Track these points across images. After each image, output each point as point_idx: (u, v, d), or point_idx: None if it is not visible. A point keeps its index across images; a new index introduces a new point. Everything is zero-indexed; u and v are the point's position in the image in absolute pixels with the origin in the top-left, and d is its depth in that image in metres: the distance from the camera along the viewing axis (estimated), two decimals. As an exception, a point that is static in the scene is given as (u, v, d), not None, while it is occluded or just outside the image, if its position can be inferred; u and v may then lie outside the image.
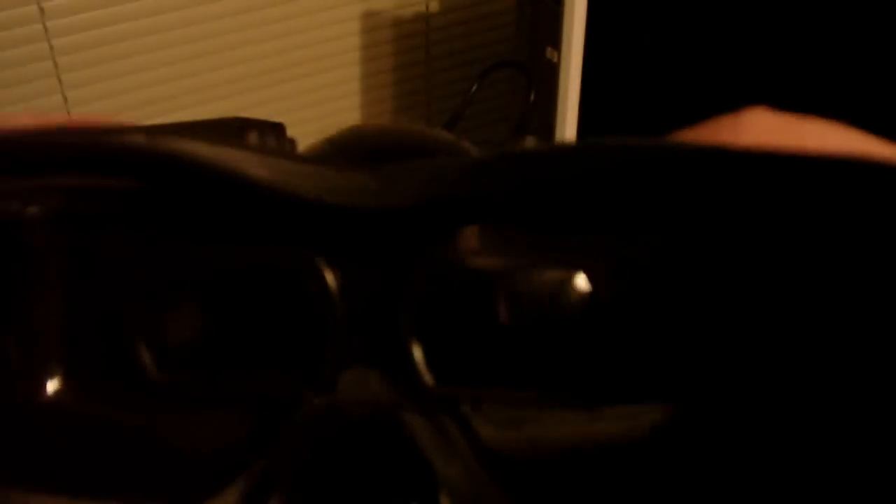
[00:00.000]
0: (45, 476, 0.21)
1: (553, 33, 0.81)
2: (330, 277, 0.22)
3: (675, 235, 0.22)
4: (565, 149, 0.20)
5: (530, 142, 0.23)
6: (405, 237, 0.22)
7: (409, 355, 0.22)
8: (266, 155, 0.20)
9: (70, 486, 0.21)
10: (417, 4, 0.99)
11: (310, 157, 0.20)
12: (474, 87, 0.88)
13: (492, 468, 0.22)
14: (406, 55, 1.01)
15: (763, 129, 0.18)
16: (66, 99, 0.84)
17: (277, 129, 0.21)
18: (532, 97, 0.84)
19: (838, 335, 0.20)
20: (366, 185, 0.20)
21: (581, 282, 0.23)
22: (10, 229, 0.22)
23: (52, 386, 0.23)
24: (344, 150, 0.26)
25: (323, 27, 0.94)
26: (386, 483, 0.24)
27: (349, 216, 0.21)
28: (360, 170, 0.20)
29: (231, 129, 0.22)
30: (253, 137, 0.23)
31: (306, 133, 0.25)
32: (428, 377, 0.22)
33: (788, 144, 0.18)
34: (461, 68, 1.02)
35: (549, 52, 0.82)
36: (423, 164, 0.20)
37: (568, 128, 0.83)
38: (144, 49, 0.84)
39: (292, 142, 0.24)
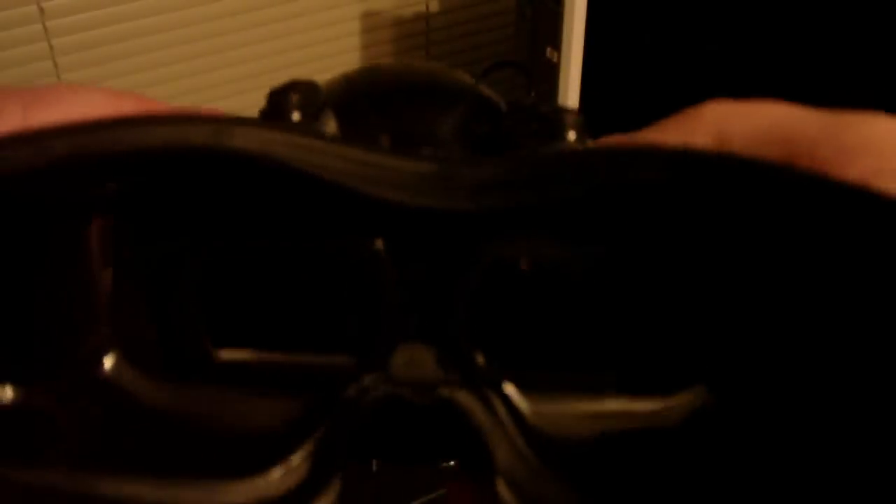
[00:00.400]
0: (111, 457, 0.21)
1: (553, 33, 0.81)
2: (386, 258, 0.22)
3: (699, 231, 0.23)
4: (621, 152, 0.20)
5: (569, 143, 0.23)
6: (464, 237, 0.22)
7: (462, 335, 0.22)
8: (331, 143, 0.19)
9: (137, 468, 0.20)
10: (417, 4, 0.99)
11: (372, 145, 0.20)
12: (474, 87, 0.89)
13: (539, 448, 0.22)
14: (406, 55, 1.01)
15: (720, 117, 0.20)
16: (66, 99, 0.84)
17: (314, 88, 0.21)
18: (532, 97, 0.84)
19: (838, 327, 0.21)
20: (430, 183, 0.20)
21: (619, 274, 0.24)
22: (67, 214, 0.21)
23: (108, 362, 0.23)
24: (361, 88, 0.26)
25: (323, 27, 0.94)
26: (440, 457, 0.24)
27: (411, 213, 0.20)
28: (425, 161, 0.20)
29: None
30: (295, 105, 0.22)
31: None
32: (479, 356, 0.23)
33: (742, 130, 0.20)
34: (461, 68, 1.02)
35: (549, 52, 0.82)
36: (487, 161, 0.20)
37: (568, 128, 0.83)
38: (144, 49, 0.84)
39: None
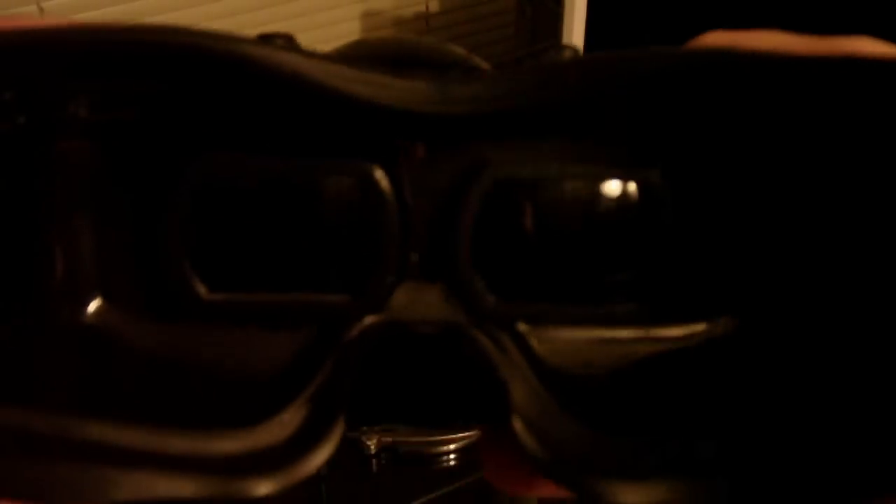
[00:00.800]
0: (99, 404, 0.19)
1: (553, 33, 0.81)
2: (386, 186, 0.21)
3: (733, 143, 0.22)
4: (625, 55, 0.19)
5: (569, 52, 0.22)
6: (465, 148, 0.21)
7: (468, 271, 0.21)
8: (325, 60, 0.19)
9: (124, 415, 0.19)
10: (417, 4, 0.99)
11: (366, 63, 0.19)
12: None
13: (551, 385, 0.21)
14: (406, 55, 1.01)
15: (721, 45, 0.20)
16: (65, 99, 0.84)
17: (292, 40, 0.21)
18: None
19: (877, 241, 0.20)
20: (427, 92, 0.19)
21: (637, 195, 0.22)
22: (45, 136, 0.20)
23: (92, 308, 0.21)
24: (352, 54, 0.25)
25: (323, 27, 0.94)
26: (454, 399, 0.23)
27: (410, 122, 0.20)
28: (420, 77, 0.19)
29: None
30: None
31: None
32: (487, 293, 0.21)
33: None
34: (461, 68, 1.02)
35: (550, 53, 0.82)
36: (483, 73, 0.19)
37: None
38: (144, 49, 0.84)
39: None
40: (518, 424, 0.19)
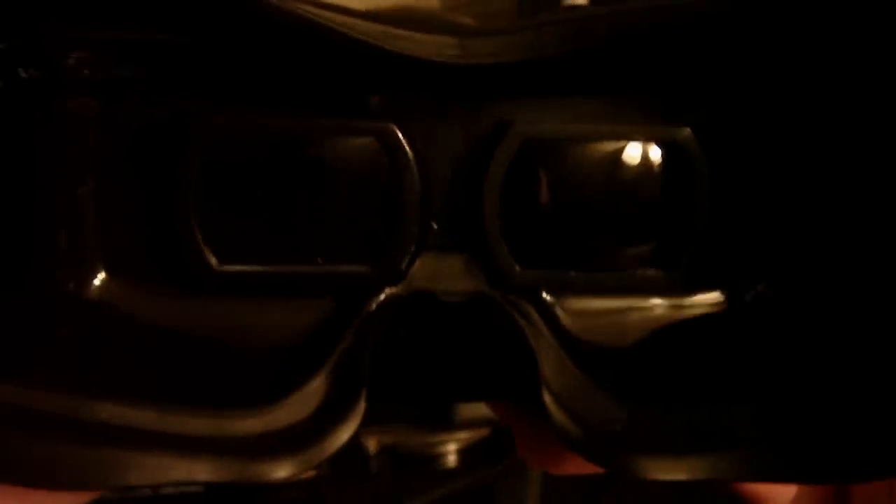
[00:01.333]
0: (108, 384, 0.19)
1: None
2: (406, 147, 0.20)
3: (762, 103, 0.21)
4: (658, 5, 0.18)
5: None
6: (489, 103, 0.20)
7: (495, 238, 0.20)
8: (344, 13, 0.18)
9: (135, 395, 0.18)
10: (417, 4, 0.99)
11: (386, 19, 0.18)
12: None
13: (578, 357, 0.21)
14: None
15: None
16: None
17: None
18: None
19: None
20: (449, 44, 0.18)
21: (667, 157, 0.22)
22: (47, 93, 0.19)
23: (97, 281, 0.20)
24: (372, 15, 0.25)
25: (323, 27, 0.94)
26: (481, 373, 0.22)
27: (431, 76, 0.19)
28: (442, 32, 0.18)
29: None
30: None
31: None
32: (512, 262, 0.21)
33: None
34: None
35: (550, 52, 0.82)
36: (507, 27, 0.19)
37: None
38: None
39: None
40: (548, 398, 0.18)
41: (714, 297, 0.22)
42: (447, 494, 0.74)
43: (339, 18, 0.17)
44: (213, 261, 0.21)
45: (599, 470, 0.19)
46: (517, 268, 0.21)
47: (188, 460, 0.17)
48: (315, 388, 0.19)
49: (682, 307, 0.22)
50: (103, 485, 0.17)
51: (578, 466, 0.20)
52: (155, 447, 0.17)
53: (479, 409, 0.65)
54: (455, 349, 0.21)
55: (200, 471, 0.17)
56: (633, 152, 0.22)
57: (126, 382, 0.19)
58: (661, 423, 0.19)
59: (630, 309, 0.22)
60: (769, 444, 0.18)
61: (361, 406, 0.18)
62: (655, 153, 0.22)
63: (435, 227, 0.21)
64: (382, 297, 0.20)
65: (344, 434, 0.18)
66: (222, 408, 0.18)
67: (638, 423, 0.19)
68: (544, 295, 0.22)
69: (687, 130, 0.21)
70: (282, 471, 0.17)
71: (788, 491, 0.21)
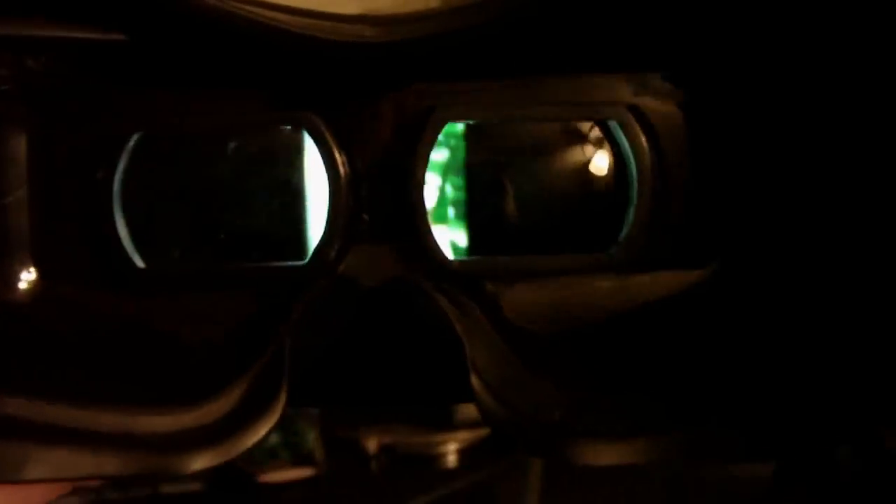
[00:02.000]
0: (23, 380, 0.19)
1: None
2: (331, 138, 0.20)
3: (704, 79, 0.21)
4: None
5: None
6: (411, 87, 0.20)
7: (425, 227, 0.20)
8: (266, 6, 0.18)
9: (50, 391, 0.18)
10: (417, 4, 0.99)
11: (302, 9, 0.18)
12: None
13: (518, 347, 0.21)
14: (406, 55, 1.01)
15: None
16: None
17: None
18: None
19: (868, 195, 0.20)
20: (368, 27, 0.18)
21: (603, 140, 0.22)
22: None
23: (24, 282, 0.21)
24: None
25: (323, 27, 0.94)
26: (407, 363, 0.22)
27: (351, 63, 0.19)
28: (357, 20, 0.18)
29: None
30: None
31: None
32: (441, 252, 0.21)
33: None
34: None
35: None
36: (420, 12, 0.19)
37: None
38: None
39: None
40: (477, 383, 0.18)
41: (656, 281, 0.22)
42: (447, 494, 0.74)
43: (260, 11, 0.18)
44: (139, 261, 0.21)
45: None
46: (448, 256, 0.21)
47: (95, 456, 0.17)
48: (238, 387, 0.19)
49: (624, 291, 0.22)
50: (7, 478, 0.17)
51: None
52: (64, 441, 0.17)
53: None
54: (386, 339, 0.21)
55: (108, 465, 0.17)
56: (568, 133, 0.22)
57: (43, 378, 0.19)
58: (599, 409, 0.19)
59: (574, 294, 0.22)
60: (702, 427, 0.18)
61: (282, 402, 0.18)
62: (593, 133, 0.22)
63: (366, 218, 0.21)
64: (311, 290, 0.20)
65: (263, 428, 0.18)
66: (142, 405, 0.18)
67: (576, 410, 0.19)
68: (487, 285, 0.21)
69: (623, 107, 0.21)
70: (197, 463, 0.17)
71: None
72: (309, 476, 0.76)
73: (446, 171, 0.22)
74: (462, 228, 0.22)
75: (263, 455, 0.76)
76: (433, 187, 0.22)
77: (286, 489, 0.75)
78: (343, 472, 0.76)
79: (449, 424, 0.75)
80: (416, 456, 0.76)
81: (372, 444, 0.76)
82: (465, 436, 0.75)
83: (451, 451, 0.75)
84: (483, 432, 0.72)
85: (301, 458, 0.76)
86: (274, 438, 0.77)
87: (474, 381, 0.18)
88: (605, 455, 0.18)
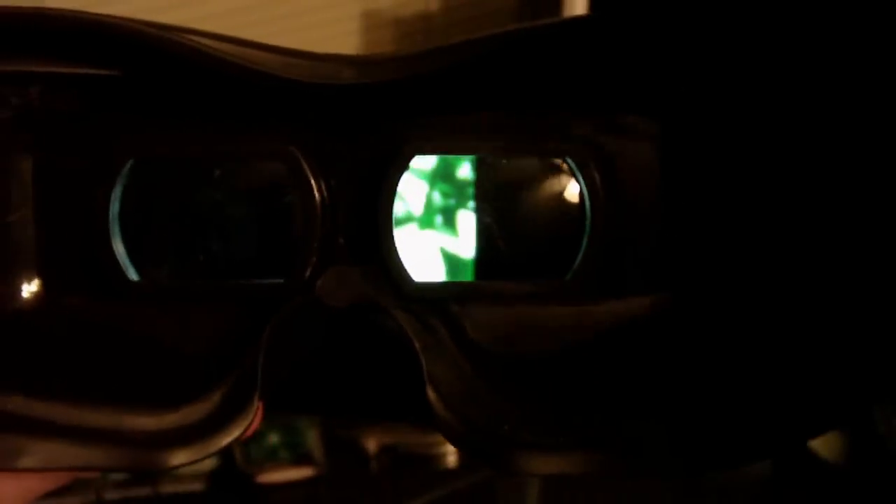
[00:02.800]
0: (23, 380, 0.20)
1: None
2: (309, 170, 0.22)
3: (664, 114, 0.22)
4: (544, 26, 0.20)
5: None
6: (385, 125, 0.22)
7: (391, 252, 0.22)
8: (260, 49, 0.20)
9: (47, 390, 0.20)
10: (417, 4, 0.99)
11: (293, 51, 0.20)
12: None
13: (477, 364, 0.22)
14: (406, 55, 1.00)
15: None
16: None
17: None
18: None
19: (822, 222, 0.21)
20: (342, 69, 0.20)
21: (567, 172, 0.23)
22: None
23: (27, 292, 0.22)
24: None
25: (323, 27, 0.94)
26: (370, 375, 0.23)
27: (328, 101, 0.21)
28: (338, 60, 0.20)
29: None
30: None
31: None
32: (406, 274, 0.22)
33: None
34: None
35: (549, 52, 0.82)
36: (393, 54, 0.20)
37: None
38: (144, 49, 0.84)
39: None
40: (433, 395, 0.20)
41: (609, 306, 0.23)
42: (447, 494, 0.74)
43: (236, 50, 0.20)
44: (133, 275, 0.23)
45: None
46: (413, 279, 0.22)
47: (84, 449, 0.19)
48: (216, 392, 0.20)
49: (582, 316, 0.23)
50: (1, 466, 0.18)
51: None
52: (54, 435, 0.19)
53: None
54: (348, 355, 0.23)
55: (96, 458, 0.19)
56: (529, 165, 0.23)
57: (41, 379, 0.21)
58: (548, 423, 0.21)
59: (534, 317, 0.23)
60: (644, 444, 0.20)
61: (253, 408, 0.19)
62: (550, 168, 0.23)
63: (341, 241, 0.22)
64: (286, 307, 0.21)
65: (236, 431, 0.19)
66: (129, 405, 0.20)
67: (524, 423, 0.20)
68: (451, 306, 0.23)
69: (577, 146, 0.22)
70: (176, 459, 0.19)
71: None
72: (309, 476, 0.76)
73: (434, 178, 0.24)
74: (451, 234, 0.24)
75: (263, 455, 0.76)
76: (421, 195, 0.24)
77: (286, 489, 0.75)
78: (343, 472, 0.76)
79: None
80: (416, 456, 0.76)
81: (372, 444, 0.76)
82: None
83: (451, 451, 0.75)
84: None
85: (301, 458, 0.76)
86: (274, 438, 0.77)
87: (430, 393, 0.20)
88: (547, 465, 0.19)
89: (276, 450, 0.77)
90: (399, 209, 0.23)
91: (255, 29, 0.88)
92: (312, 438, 0.77)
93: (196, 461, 0.19)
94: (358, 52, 0.98)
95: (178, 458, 0.19)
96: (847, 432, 0.58)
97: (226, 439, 0.19)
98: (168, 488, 0.74)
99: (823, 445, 0.59)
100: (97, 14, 0.19)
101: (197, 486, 0.75)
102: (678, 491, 0.62)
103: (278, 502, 0.75)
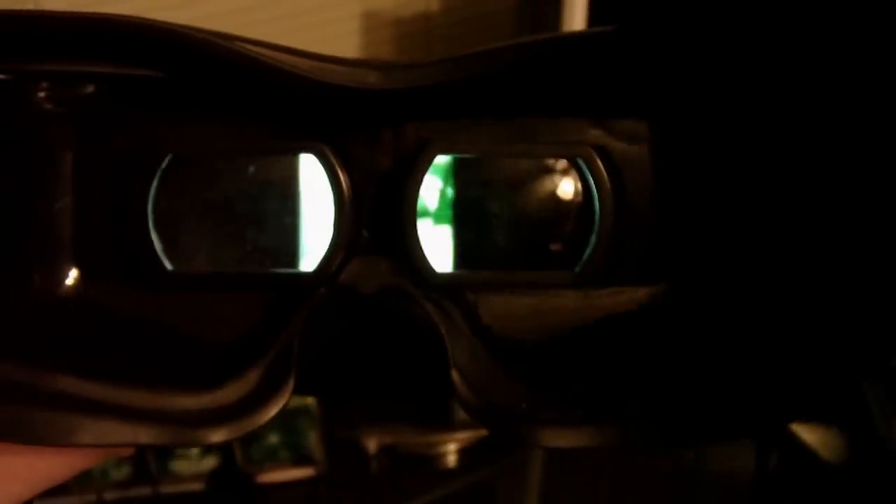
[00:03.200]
0: (71, 362, 0.21)
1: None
2: (338, 165, 0.23)
3: (660, 117, 0.24)
4: (559, 39, 0.22)
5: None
6: (409, 125, 0.23)
7: (414, 244, 0.23)
8: (289, 53, 0.21)
9: (94, 372, 0.21)
10: (417, 4, 0.99)
11: (318, 55, 0.21)
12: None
13: (494, 348, 0.24)
14: (406, 55, 1.01)
15: None
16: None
17: None
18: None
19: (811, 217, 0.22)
20: (371, 73, 0.21)
21: (575, 173, 0.25)
22: (29, 124, 0.23)
23: (70, 280, 0.24)
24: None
25: (323, 27, 0.94)
26: (395, 360, 0.25)
27: (357, 102, 0.22)
28: (367, 64, 0.21)
29: None
30: None
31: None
32: (429, 264, 0.24)
33: None
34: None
35: (549, 52, 0.82)
36: (416, 62, 0.21)
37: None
38: (144, 49, 0.84)
39: None
40: (456, 376, 0.21)
41: (617, 295, 0.25)
42: (447, 494, 0.74)
43: (273, 54, 0.21)
44: (168, 265, 0.24)
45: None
46: (435, 269, 0.24)
47: (132, 426, 0.20)
48: (252, 375, 0.22)
49: (588, 304, 0.25)
50: (58, 441, 0.20)
51: None
52: (105, 414, 0.20)
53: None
54: (378, 338, 0.24)
55: (143, 435, 0.20)
56: (541, 167, 0.25)
57: (88, 362, 0.22)
58: (559, 401, 0.22)
59: (544, 305, 0.25)
60: (648, 419, 0.22)
61: (290, 388, 0.21)
62: (561, 166, 0.25)
63: (365, 234, 0.24)
64: (316, 295, 0.23)
65: (272, 410, 0.21)
66: (169, 387, 0.21)
67: (539, 402, 0.22)
68: (468, 294, 0.24)
69: (587, 149, 0.24)
70: (216, 436, 0.20)
71: None
72: (309, 476, 0.76)
73: (447, 175, 0.25)
74: (464, 228, 0.26)
75: (263, 455, 0.76)
76: (435, 190, 0.25)
77: (286, 489, 0.76)
78: (343, 472, 0.76)
79: (449, 424, 0.75)
80: (416, 456, 0.76)
81: (372, 444, 0.76)
82: (464, 436, 0.76)
83: (451, 451, 0.75)
84: (483, 432, 0.73)
85: (301, 458, 0.76)
86: (274, 438, 0.77)
87: (454, 375, 0.21)
88: (561, 439, 0.21)
89: (276, 450, 0.77)
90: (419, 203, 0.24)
91: (255, 29, 0.88)
92: (312, 438, 0.78)
93: (235, 438, 0.20)
94: (358, 52, 0.99)
95: (218, 435, 0.20)
96: (847, 432, 0.58)
97: (263, 418, 0.20)
98: (168, 488, 0.74)
99: (823, 445, 0.59)
100: (144, 19, 0.20)
101: (197, 486, 0.75)
102: (678, 490, 0.62)
103: (278, 502, 0.75)
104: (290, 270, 0.24)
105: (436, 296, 0.23)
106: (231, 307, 0.24)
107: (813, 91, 0.22)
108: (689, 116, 0.24)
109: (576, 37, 0.21)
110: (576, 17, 0.77)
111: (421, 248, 0.23)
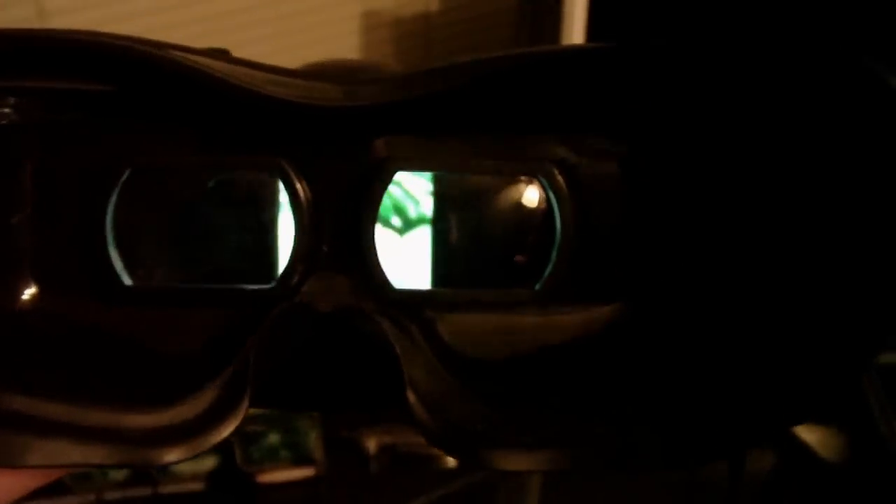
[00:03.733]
0: (25, 379, 0.21)
1: (553, 33, 0.81)
2: (298, 181, 0.23)
3: (625, 135, 0.24)
4: (524, 54, 0.21)
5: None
6: (369, 141, 0.23)
7: (373, 260, 0.23)
8: (249, 67, 0.21)
9: (48, 390, 0.20)
10: (417, 4, 0.99)
11: (279, 69, 0.21)
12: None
13: (453, 367, 0.23)
14: (406, 55, 1.01)
15: None
16: (65, 99, 0.84)
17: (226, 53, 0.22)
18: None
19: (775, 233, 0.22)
20: (331, 90, 0.21)
21: (539, 189, 0.25)
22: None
23: (26, 294, 0.23)
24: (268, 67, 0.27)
25: (323, 27, 0.94)
26: (353, 376, 0.24)
27: (317, 119, 0.21)
28: (328, 80, 0.21)
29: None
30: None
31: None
32: (387, 280, 0.23)
33: None
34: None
35: (549, 52, 0.82)
36: (380, 76, 0.21)
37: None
38: (144, 49, 0.84)
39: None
40: (412, 396, 0.20)
41: (578, 314, 0.25)
42: (447, 494, 0.74)
43: (226, 68, 0.20)
44: (127, 279, 0.24)
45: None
46: (393, 285, 0.23)
47: (84, 447, 0.20)
48: (208, 392, 0.21)
49: (550, 322, 0.25)
50: (6, 463, 0.19)
51: None
52: (57, 434, 0.20)
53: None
54: (336, 359, 0.23)
55: (96, 455, 0.20)
56: (501, 184, 0.25)
57: (42, 379, 0.21)
58: (519, 423, 0.22)
59: (505, 323, 0.25)
60: (605, 443, 0.21)
61: (245, 406, 0.20)
62: (522, 183, 0.25)
63: (325, 249, 0.23)
64: (274, 312, 0.22)
65: (228, 427, 0.20)
66: (125, 404, 0.21)
67: (498, 423, 0.21)
68: (427, 312, 0.24)
69: (548, 165, 0.24)
70: (172, 456, 0.20)
71: None
72: (309, 476, 0.76)
73: (409, 191, 0.25)
74: (427, 244, 0.25)
75: (263, 455, 0.76)
76: (399, 204, 0.25)
77: (286, 489, 0.76)
78: (343, 472, 0.76)
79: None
80: (416, 456, 0.76)
81: (372, 444, 0.76)
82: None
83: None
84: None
85: (301, 458, 0.76)
86: (274, 438, 0.77)
87: (409, 394, 0.20)
88: (516, 462, 0.20)
89: (276, 450, 0.77)
90: (379, 219, 0.24)
91: (255, 29, 0.88)
92: (312, 438, 0.78)
93: (190, 458, 0.20)
94: (358, 53, 0.98)
95: (173, 454, 0.20)
96: (847, 432, 0.58)
97: (218, 436, 0.20)
98: (168, 488, 0.74)
99: (823, 445, 0.59)
100: (89, 32, 0.19)
101: (197, 486, 0.75)
102: (677, 492, 0.62)
103: (278, 502, 0.75)
104: (249, 286, 0.24)
105: (394, 312, 0.23)
106: (189, 323, 0.23)
107: (766, 121, 0.22)
108: (657, 134, 0.24)
109: (540, 55, 0.21)
110: (576, 17, 0.77)
111: (379, 264, 0.23)
